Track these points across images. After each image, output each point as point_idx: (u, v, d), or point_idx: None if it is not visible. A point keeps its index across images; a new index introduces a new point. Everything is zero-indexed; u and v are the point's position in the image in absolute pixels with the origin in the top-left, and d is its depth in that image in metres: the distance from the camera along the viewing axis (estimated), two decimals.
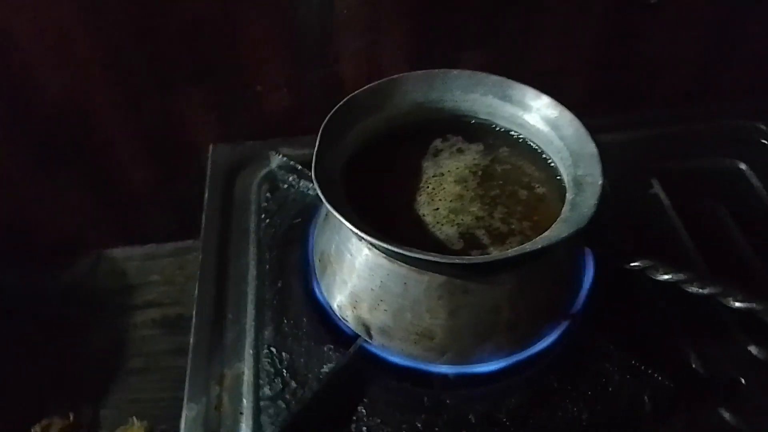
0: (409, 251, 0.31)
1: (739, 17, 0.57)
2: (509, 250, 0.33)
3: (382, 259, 0.34)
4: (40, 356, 0.57)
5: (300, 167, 0.50)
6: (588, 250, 0.40)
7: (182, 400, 0.54)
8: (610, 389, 0.38)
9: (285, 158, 0.51)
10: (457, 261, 0.31)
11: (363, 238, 0.32)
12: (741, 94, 0.62)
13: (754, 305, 0.35)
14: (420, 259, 0.31)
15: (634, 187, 0.52)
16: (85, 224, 0.62)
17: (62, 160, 0.57)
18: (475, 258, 0.33)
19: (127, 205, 0.62)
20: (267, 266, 0.46)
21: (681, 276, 0.37)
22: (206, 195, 0.52)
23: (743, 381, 0.40)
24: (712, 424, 0.38)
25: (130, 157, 0.58)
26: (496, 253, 0.34)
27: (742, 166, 0.54)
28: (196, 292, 0.45)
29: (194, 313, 0.43)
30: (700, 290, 0.37)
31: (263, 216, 0.50)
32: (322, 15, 0.49)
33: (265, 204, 0.50)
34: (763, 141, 0.56)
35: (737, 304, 0.35)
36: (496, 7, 0.51)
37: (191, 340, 0.42)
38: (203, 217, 0.50)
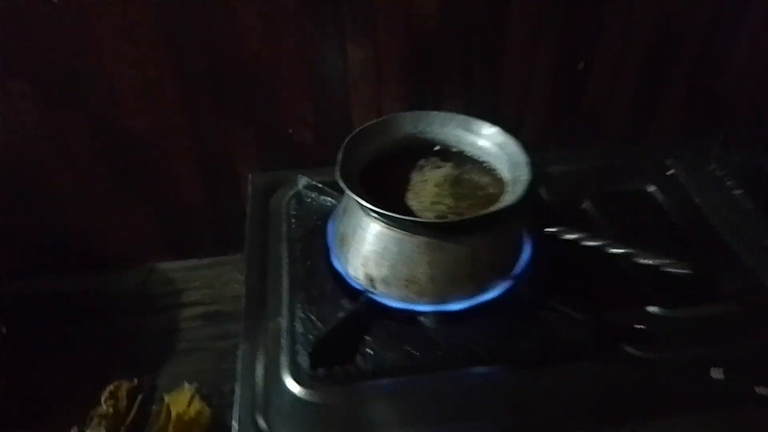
0: (405, 217, 0.48)
1: (660, 73, 0.75)
2: (465, 216, 0.50)
3: (385, 229, 0.51)
4: (108, 341, 0.71)
5: (321, 186, 0.67)
6: (528, 233, 0.57)
7: (222, 372, 0.68)
8: (543, 327, 0.53)
9: (309, 180, 0.68)
10: (432, 221, 0.48)
11: (374, 211, 0.49)
12: (663, 135, 0.80)
13: (651, 261, 0.51)
14: (411, 221, 0.48)
15: (570, 203, 0.69)
16: (144, 240, 0.78)
17: (132, 184, 0.73)
18: (444, 221, 0.50)
19: (177, 223, 0.77)
20: (297, 253, 0.61)
21: (599, 242, 0.52)
22: (248, 209, 0.68)
23: (644, 327, 0.56)
24: (618, 354, 0.53)
25: (185, 183, 0.74)
26: (454, 218, 0.51)
27: (651, 189, 0.72)
28: (245, 275, 0.60)
29: (245, 283, 0.59)
30: (615, 250, 0.52)
31: (292, 221, 0.66)
32: (339, 75, 0.68)
33: (294, 212, 0.66)
34: (668, 173, 0.75)
35: (642, 261, 0.51)
36: (471, 67, 0.70)
37: (243, 306, 0.57)
38: (246, 225, 0.66)
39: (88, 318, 0.73)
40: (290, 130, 0.71)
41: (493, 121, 0.58)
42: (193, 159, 0.72)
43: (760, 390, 0.50)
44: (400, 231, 0.50)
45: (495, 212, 0.48)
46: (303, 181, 0.68)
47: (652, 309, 0.57)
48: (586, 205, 0.69)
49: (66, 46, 0.62)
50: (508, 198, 0.51)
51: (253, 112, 0.70)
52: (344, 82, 0.69)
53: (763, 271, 0.61)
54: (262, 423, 0.48)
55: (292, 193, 0.69)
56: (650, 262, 0.50)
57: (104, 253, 0.78)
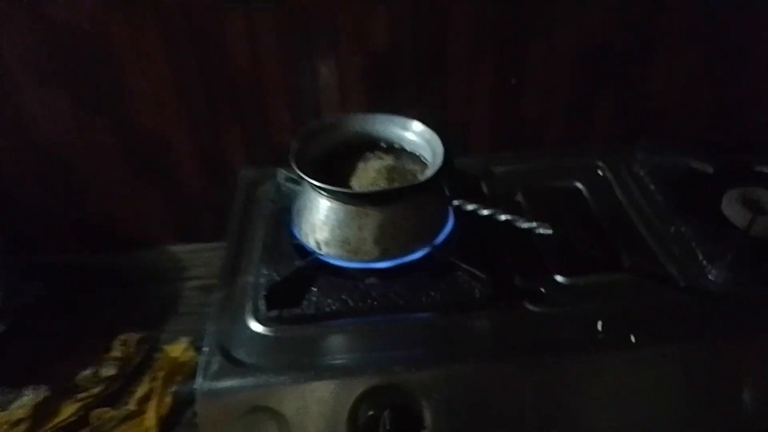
0: (338, 188, 0.61)
1: (587, 89, 0.88)
2: (381, 188, 0.63)
3: (326, 201, 0.64)
4: (123, 305, 0.86)
5: (295, 178, 0.80)
6: (451, 209, 0.70)
7: None
8: (454, 284, 0.65)
9: (286, 173, 0.82)
10: (356, 191, 0.62)
11: (317, 186, 0.62)
12: (595, 143, 0.93)
13: (526, 225, 0.61)
14: (342, 192, 0.61)
15: (504, 197, 0.81)
16: (155, 224, 0.94)
17: (146, 172, 0.88)
18: (364, 191, 0.63)
19: (184, 208, 0.92)
20: (269, 228, 0.75)
21: (506, 216, 0.63)
22: (236, 197, 0.83)
23: (543, 290, 0.67)
24: (517, 308, 0.64)
25: (187, 176, 0.89)
26: (374, 188, 0.64)
27: (579, 185, 0.83)
28: (227, 241, 0.75)
29: (225, 250, 0.73)
30: (503, 216, 0.63)
31: (270, 205, 0.80)
32: (310, 85, 0.83)
33: (272, 198, 0.81)
34: (599, 171, 0.86)
35: (523, 225, 0.62)
36: (420, 82, 0.84)
37: (222, 265, 0.71)
38: (233, 208, 0.81)
39: (107, 286, 0.89)
40: (274, 132, 0.86)
41: (443, 129, 0.69)
42: (193, 156, 0.88)
43: (633, 338, 0.61)
44: (336, 202, 0.64)
45: (405, 187, 0.62)
46: (282, 174, 0.82)
47: (556, 277, 0.68)
48: (518, 197, 0.81)
49: (94, 61, 0.78)
50: (421, 178, 0.64)
51: (242, 116, 0.85)
52: (315, 91, 0.84)
53: (660, 249, 0.72)
54: (226, 350, 0.61)
55: (272, 184, 0.83)
56: (525, 225, 0.61)
57: (121, 235, 0.94)
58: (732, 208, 0.73)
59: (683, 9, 0.83)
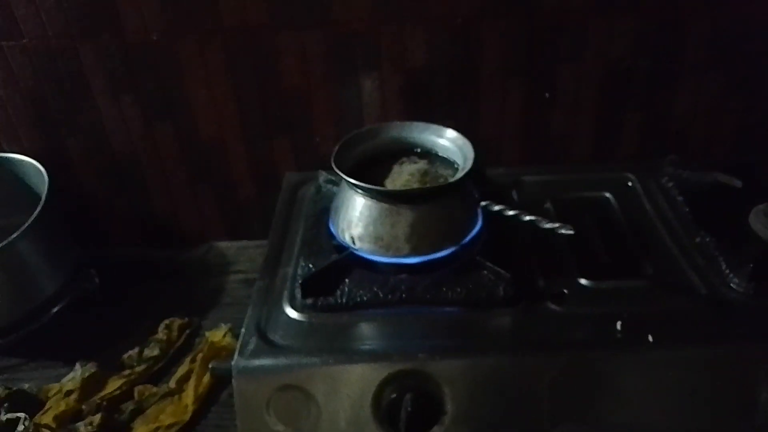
0: (372, 186, 0.67)
1: (615, 108, 0.92)
2: (412, 187, 0.68)
3: (361, 199, 0.69)
4: (172, 294, 0.93)
5: (334, 179, 0.86)
6: (480, 212, 0.74)
7: None
8: (480, 281, 0.68)
9: (327, 175, 0.88)
10: (390, 190, 0.67)
11: (352, 184, 0.68)
12: (623, 159, 0.95)
13: (556, 225, 0.64)
14: (375, 190, 0.67)
15: (534, 205, 0.84)
16: (208, 223, 1.02)
17: (202, 176, 0.96)
18: (395, 189, 0.68)
19: (234, 211, 1.00)
20: (309, 224, 0.81)
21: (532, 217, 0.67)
22: (280, 197, 0.90)
23: (566, 291, 0.70)
24: (539, 307, 0.67)
25: (240, 180, 0.97)
26: (405, 188, 0.69)
27: (608, 195, 0.86)
28: (270, 235, 0.81)
29: (268, 245, 0.79)
30: (527, 217, 0.66)
31: (311, 204, 0.86)
32: (354, 100, 0.89)
33: (313, 198, 0.86)
34: (628, 183, 0.88)
35: (545, 225, 0.64)
36: (455, 98, 0.89)
37: (264, 258, 0.77)
38: (277, 207, 0.88)
39: (161, 278, 0.97)
40: (318, 139, 0.93)
41: (476, 144, 0.73)
42: (246, 162, 0.95)
43: (651, 338, 0.63)
44: (370, 200, 0.69)
45: (435, 187, 0.67)
46: (323, 176, 0.88)
47: (580, 280, 0.71)
48: (547, 205, 0.84)
49: (160, 72, 0.87)
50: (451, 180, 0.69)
51: (291, 127, 0.93)
52: (358, 105, 0.90)
53: (683, 258, 0.73)
54: (263, 332, 0.67)
55: (314, 185, 0.90)
56: (548, 225, 0.64)
57: (178, 232, 1.02)
58: (759, 222, 0.74)
59: (706, 36, 0.85)
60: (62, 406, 0.73)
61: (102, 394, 0.76)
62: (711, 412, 0.62)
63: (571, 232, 0.64)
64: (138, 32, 0.84)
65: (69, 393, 0.76)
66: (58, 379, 0.79)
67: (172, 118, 0.91)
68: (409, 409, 0.59)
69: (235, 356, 0.64)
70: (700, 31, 0.85)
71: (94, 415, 0.72)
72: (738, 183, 0.80)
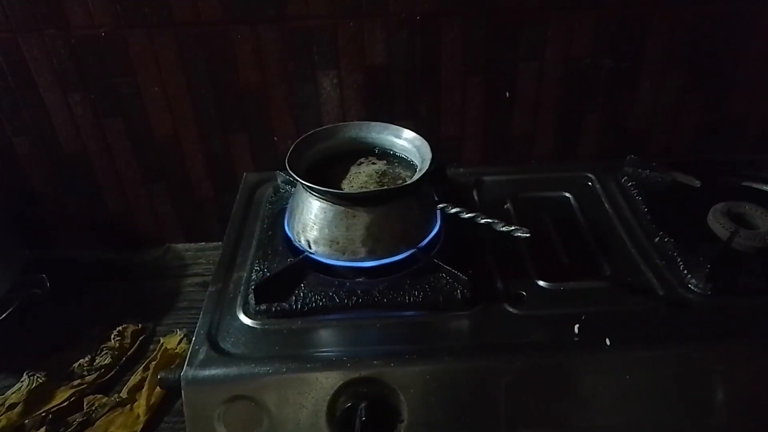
0: (326, 189, 0.65)
1: (575, 108, 0.91)
2: (368, 189, 0.66)
3: (316, 201, 0.67)
4: (126, 297, 0.90)
5: (292, 180, 0.84)
6: (439, 214, 0.72)
7: None
8: (436, 284, 0.67)
9: (284, 176, 0.86)
10: (344, 192, 0.65)
11: (307, 186, 0.66)
12: (584, 157, 0.95)
13: (512, 228, 0.64)
14: (331, 193, 0.65)
15: (494, 205, 0.84)
16: (164, 224, 0.98)
17: (156, 176, 0.93)
18: (349, 192, 0.67)
19: (190, 212, 0.97)
20: (265, 226, 0.79)
21: (475, 214, 0.65)
22: (237, 198, 0.87)
23: (524, 294, 0.69)
24: (496, 309, 0.66)
25: (196, 179, 0.94)
26: (360, 190, 0.67)
27: (568, 195, 0.86)
28: (224, 238, 0.78)
29: (222, 247, 0.77)
30: (483, 220, 0.64)
31: (268, 206, 0.83)
32: (312, 98, 0.87)
33: (271, 199, 0.84)
34: (588, 183, 0.88)
35: (501, 228, 0.64)
36: (415, 97, 0.88)
37: (218, 261, 0.75)
38: (233, 208, 0.85)
39: (115, 281, 0.93)
40: (275, 138, 0.91)
41: (436, 142, 0.72)
42: (203, 161, 0.92)
43: (608, 342, 0.63)
44: (325, 202, 0.67)
45: (391, 189, 0.65)
46: (280, 177, 0.86)
47: (538, 282, 0.70)
48: (507, 205, 0.84)
49: (110, 68, 0.84)
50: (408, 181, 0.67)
51: (248, 125, 0.90)
52: (316, 104, 0.88)
53: (642, 259, 0.73)
54: (214, 340, 0.64)
55: (272, 186, 0.88)
56: (503, 228, 0.63)
57: (133, 233, 0.99)
58: (717, 221, 0.75)
59: (668, 33, 0.85)
60: (2, 422, 0.70)
61: (48, 406, 0.73)
62: (669, 412, 0.62)
63: (527, 235, 0.63)
64: (85, 26, 0.81)
65: (12, 406, 0.72)
66: (3, 391, 0.75)
67: (123, 115, 0.88)
68: (363, 418, 0.58)
69: (185, 366, 0.61)
70: (660, 30, 0.85)
71: (37, 430, 0.69)
72: (697, 183, 0.80)
